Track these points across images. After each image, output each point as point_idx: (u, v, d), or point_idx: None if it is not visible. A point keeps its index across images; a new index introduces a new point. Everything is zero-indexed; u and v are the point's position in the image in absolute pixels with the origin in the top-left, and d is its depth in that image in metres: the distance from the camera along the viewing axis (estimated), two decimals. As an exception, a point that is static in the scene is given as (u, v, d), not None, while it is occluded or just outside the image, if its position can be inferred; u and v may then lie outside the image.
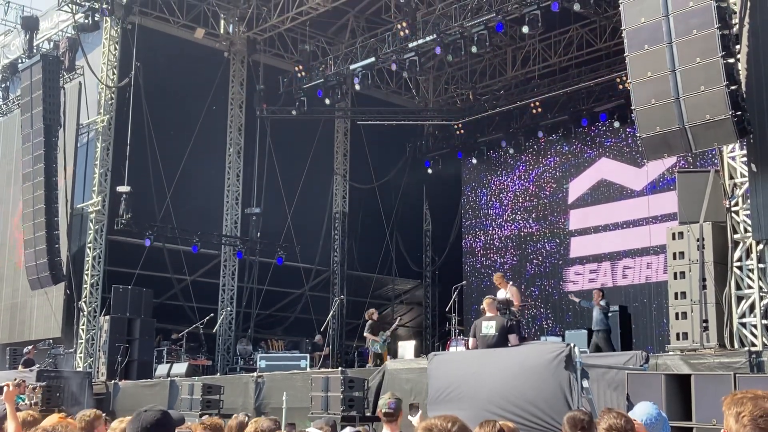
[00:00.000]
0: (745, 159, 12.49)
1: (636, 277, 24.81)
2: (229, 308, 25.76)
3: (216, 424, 6.41)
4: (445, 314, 20.56)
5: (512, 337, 11.92)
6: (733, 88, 11.51)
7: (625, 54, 12.78)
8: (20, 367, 20.48)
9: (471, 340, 12.24)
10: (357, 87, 25.55)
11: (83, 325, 23.13)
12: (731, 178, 12.74)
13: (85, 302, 23.11)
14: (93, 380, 20.73)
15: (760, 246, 12.30)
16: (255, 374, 17.50)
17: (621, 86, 23.21)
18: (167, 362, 21.55)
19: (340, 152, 29.26)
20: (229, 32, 26.69)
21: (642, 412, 4.67)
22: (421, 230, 31.09)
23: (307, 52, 26.57)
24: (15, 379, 6.65)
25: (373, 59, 24.39)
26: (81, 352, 22.94)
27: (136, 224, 23.20)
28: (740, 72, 12.07)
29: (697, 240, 12.39)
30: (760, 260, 12.28)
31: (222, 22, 26.62)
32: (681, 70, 11.85)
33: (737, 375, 9.78)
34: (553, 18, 21.76)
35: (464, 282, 24.08)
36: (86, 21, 23.69)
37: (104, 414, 6.10)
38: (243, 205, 26.45)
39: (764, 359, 10.84)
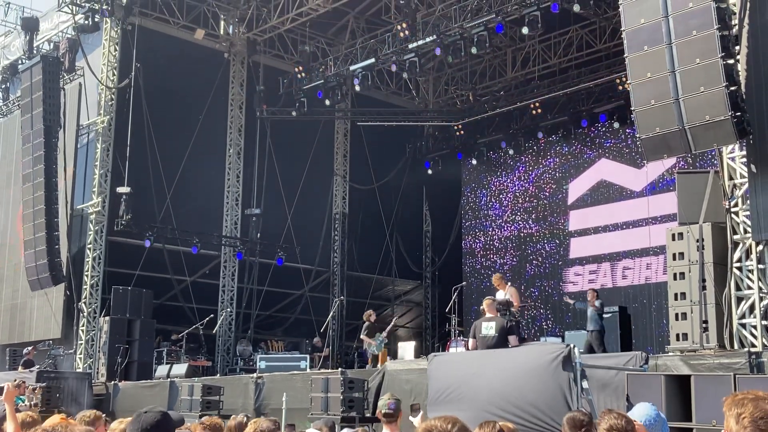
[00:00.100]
0: (744, 160, 12.49)
1: (636, 278, 24.82)
2: (228, 309, 25.76)
3: (216, 423, 6.41)
4: (445, 315, 20.57)
5: (512, 338, 11.92)
6: (732, 89, 11.52)
7: (625, 55, 12.79)
8: (20, 367, 20.49)
9: (471, 341, 12.25)
10: (357, 88, 25.56)
11: (83, 325, 23.12)
12: (731, 178, 12.75)
13: (85, 303, 23.10)
14: (93, 381, 20.72)
15: (760, 247, 12.30)
16: (255, 375, 17.50)
17: (621, 87, 23.22)
18: (167, 363, 21.55)
19: (340, 153, 29.26)
20: (229, 33, 26.70)
21: (641, 413, 4.67)
22: (421, 231, 31.09)
23: (307, 53, 26.57)
24: (15, 380, 6.65)
25: (373, 60, 24.40)
26: (81, 353, 22.93)
27: (136, 225, 23.20)
28: (740, 73, 12.09)
29: (697, 241, 12.40)
30: (759, 261, 12.28)
31: (222, 23, 26.64)
32: (681, 71, 11.86)
33: (737, 376, 9.78)
34: (553, 19, 21.78)
35: (464, 283, 24.11)
36: (86, 22, 23.70)
37: (104, 415, 6.10)
38: (243, 206, 26.45)
39: (764, 360, 10.84)
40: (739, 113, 11.50)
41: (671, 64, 11.95)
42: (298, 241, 26.65)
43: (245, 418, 7.78)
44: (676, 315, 12.59)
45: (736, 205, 12.61)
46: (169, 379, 19.21)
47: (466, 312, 25.49)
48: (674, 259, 12.82)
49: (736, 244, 12.55)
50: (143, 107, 23.84)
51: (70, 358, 22.60)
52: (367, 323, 18.43)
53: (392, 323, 18.69)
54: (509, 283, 16.65)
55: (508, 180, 28.92)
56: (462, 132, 29.11)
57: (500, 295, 15.66)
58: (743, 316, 12.31)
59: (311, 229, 27.55)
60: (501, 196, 29.05)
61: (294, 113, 26.38)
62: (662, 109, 12.06)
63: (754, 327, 12.16)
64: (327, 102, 26.15)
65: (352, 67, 24.84)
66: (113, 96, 24.16)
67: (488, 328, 11.75)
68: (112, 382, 20.41)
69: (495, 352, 11.51)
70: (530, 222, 27.99)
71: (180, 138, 24.71)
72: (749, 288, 12.35)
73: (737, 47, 12.25)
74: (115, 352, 21.28)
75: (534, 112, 26.86)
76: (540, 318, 26.71)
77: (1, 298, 26.10)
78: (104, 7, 23.18)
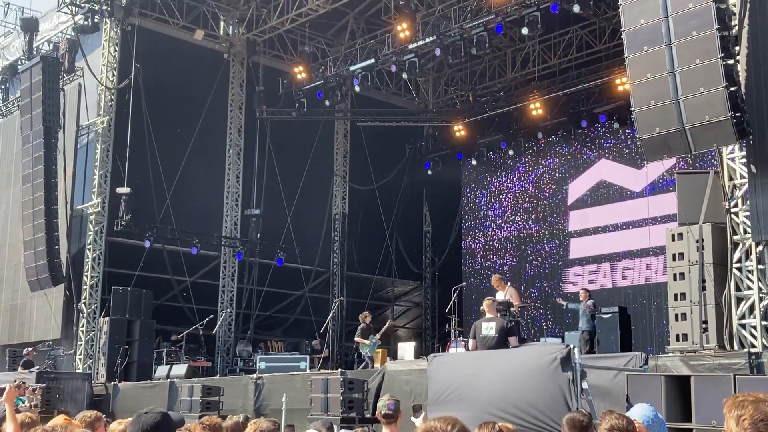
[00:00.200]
0: (744, 160, 12.49)
1: (635, 278, 24.82)
2: (228, 309, 25.76)
3: (215, 423, 6.40)
4: (444, 315, 20.56)
5: (512, 339, 11.90)
6: (732, 89, 11.52)
7: (625, 55, 12.79)
8: (20, 368, 20.47)
9: (471, 342, 12.24)
10: (357, 88, 25.55)
11: (83, 326, 23.12)
12: (731, 179, 12.75)
13: (84, 303, 23.10)
14: (92, 382, 20.72)
15: (760, 247, 12.30)
16: (255, 376, 17.50)
17: (620, 87, 23.20)
18: (167, 364, 21.53)
19: (340, 153, 29.26)
20: (228, 34, 26.71)
21: (639, 413, 4.68)
22: (421, 231, 31.09)
23: (306, 54, 26.58)
24: (14, 381, 6.65)
25: (372, 61, 24.42)
26: (80, 354, 22.93)
27: (135, 225, 23.19)
28: (740, 73, 12.09)
29: (697, 241, 12.40)
30: (759, 261, 12.28)
31: (222, 23, 26.64)
32: (680, 72, 11.86)
33: (737, 376, 9.78)
34: (553, 19, 21.79)
35: (464, 283, 24.10)
36: (86, 22, 23.71)
37: (104, 415, 6.09)
38: (243, 206, 26.45)
39: (764, 360, 10.85)
40: (739, 114, 11.50)
41: (671, 65, 11.95)
42: (298, 242, 26.65)
43: (244, 419, 7.77)
44: (676, 315, 12.59)
45: (736, 205, 12.61)
46: (168, 380, 19.20)
47: (466, 312, 25.48)
48: (674, 259, 12.82)
49: (735, 245, 12.55)
50: (143, 108, 23.84)
51: (69, 359, 22.60)
52: (362, 325, 18.44)
53: (386, 325, 18.67)
54: (509, 284, 16.65)
55: (508, 180, 28.92)
56: (462, 132, 29.10)
57: (500, 296, 15.66)
58: (743, 317, 12.31)
59: (311, 230, 27.55)
60: (501, 196, 29.06)
61: (294, 114, 26.39)
62: (662, 110, 12.06)
63: (754, 327, 12.16)
64: (327, 102, 26.17)
65: (351, 68, 24.85)
66: (113, 96, 24.15)
67: (488, 328, 11.74)
68: (112, 383, 20.40)
69: (495, 353, 11.50)
70: (530, 222, 27.99)
71: (180, 138, 24.71)
72: (749, 288, 12.35)
73: (737, 48, 12.25)
74: (115, 353, 21.27)
75: (534, 112, 26.85)
76: (540, 318, 26.71)
77: (0, 299, 26.09)
78: (104, 7, 23.19)
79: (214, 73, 26.15)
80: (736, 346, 12.12)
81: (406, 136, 29.97)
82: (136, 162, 23.61)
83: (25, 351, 21.50)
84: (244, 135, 26.76)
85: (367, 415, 13.79)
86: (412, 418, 9.94)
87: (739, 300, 12.41)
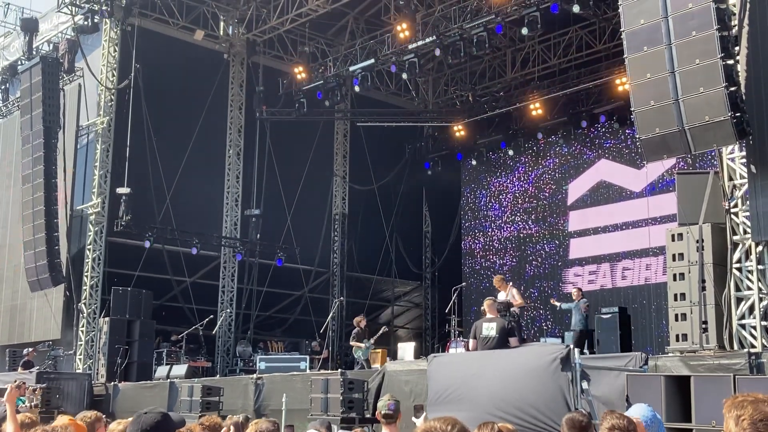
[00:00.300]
0: (744, 160, 12.49)
1: (635, 279, 24.82)
2: (228, 310, 25.76)
3: (215, 423, 6.40)
4: (444, 316, 20.56)
5: (513, 340, 11.89)
6: (732, 89, 11.52)
7: (625, 55, 12.80)
8: (20, 368, 20.48)
9: (471, 342, 12.23)
10: (356, 89, 25.55)
11: (83, 326, 23.12)
12: (730, 179, 12.75)
13: (84, 304, 23.10)
14: (93, 382, 20.73)
15: (760, 247, 12.30)
16: (254, 376, 17.50)
17: (620, 88, 23.21)
18: (167, 364, 21.54)
19: (340, 154, 29.27)
20: (228, 34, 26.71)
21: (637, 413, 4.69)
22: (421, 232, 31.09)
23: (306, 54, 26.59)
24: (15, 381, 6.65)
25: (372, 61, 24.42)
26: (81, 354, 22.93)
27: (135, 226, 23.19)
28: (739, 73, 12.09)
29: (697, 241, 12.40)
30: (759, 262, 12.29)
31: (221, 23, 26.64)
32: (680, 72, 11.86)
33: (737, 376, 9.79)
34: (553, 20, 21.79)
35: (464, 283, 24.11)
36: (86, 23, 23.71)
37: (104, 416, 6.09)
38: (243, 206, 26.45)
39: (764, 361, 10.85)
40: (738, 114, 11.50)
41: (671, 65, 11.95)
42: (298, 242, 26.65)
43: (244, 419, 7.78)
44: (676, 316, 12.59)
45: (735, 205, 12.61)
46: (168, 380, 19.20)
47: (466, 313, 25.49)
48: (674, 259, 12.82)
49: (735, 245, 12.55)
50: (143, 108, 23.83)
51: (69, 359, 22.60)
52: (357, 329, 18.45)
53: (380, 331, 18.76)
54: (510, 284, 16.65)
55: (508, 180, 28.92)
56: (461, 132, 29.11)
57: (501, 297, 15.67)
58: (743, 317, 12.31)
59: (311, 230, 27.55)
60: (500, 196, 29.06)
61: (293, 114, 26.40)
62: (662, 110, 12.07)
63: (754, 328, 12.16)
64: (326, 103, 26.17)
65: (351, 68, 24.85)
66: (113, 97, 24.15)
67: (489, 329, 11.73)
68: (112, 383, 20.40)
69: (495, 353, 11.49)
70: (530, 223, 28.00)
71: (180, 139, 24.71)
72: (749, 289, 12.35)
73: (737, 48, 12.25)
74: (115, 353, 21.27)
75: (534, 112, 26.85)
76: (540, 319, 26.71)
77: (0, 299, 26.10)
78: (103, 8, 23.19)
79: (214, 73, 26.15)
80: (735, 347, 12.12)
81: (406, 136, 29.98)
82: (136, 162, 23.60)
83: (25, 351, 21.51)
84: (243, 135, 26.76)
85: (367, 416, 13.80)
86: (414, 418, 9.97)
87: (738, 300, 12.42)
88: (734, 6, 12.50)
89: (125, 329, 21.74)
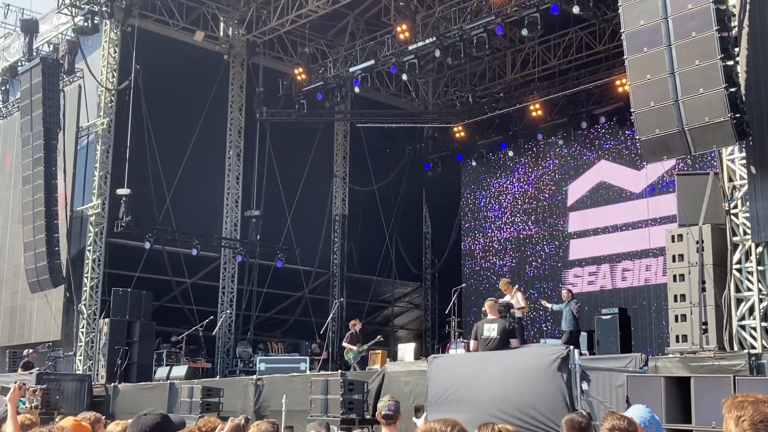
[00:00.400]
0: (744, 161, 12.49)
1: (635, 280, 24.82)
2: (228, 311, 25.75)
3: (211, 426, 6.37)
4: (444, 317, 20.55)
5: (514, 341, 11.89)
6: (732, 90, 11.53)
7: (625, 56, 12.80)
8: (20, 369, 20.48)
9: (472, 343, 12.23)
10: (356, 90, 25.54)
11: (83, 327, 23.12)
12: (730, 180, 12.75)
13: (84, 305, 23.09)
14: (92, 383, 20.73)
15: (760, 248, 12.30)
16: (255, 377, 17.51)
17: (620, 89, 23.21)
18: (167, 365, 21.53)
19: (340, 155, 29.27)
20: (228, 35, 26.71)
21: (635, 414, 4.69)
22: (421, 233, 31.10)
23: (306, 55, 26.59)
24: (15, 382, 6.65)
25: (372, 62, 24.42)
26: (81, 355, 22.92)
27: (135, 227, 23.20)
28: (739, 74, 12.09)
29: (697, 242, 12.40)
30: (759, 263, 12.29)
31: (221, 24, 26.65)
32: (680, 73, 11.87)
33: (737, 377, 9.79)
34: (553, 21, 21.79)
35: (464, 284, 24.09)
36: (86, 24, 23.72)
37: (104, 417, 6.10)
38: (243, 207, 26.46)
39: (764, 362, 10.85)
40: (738, 115, 11.50)
41: (671, 66, 11.95)
42: (298, 243, 26.65)
43: (244, 420, 7.78)
44: (676, 317, 12.59)
45: (735, 206, 12.62)
46: (168, 381, 19.21)
47: (466, 314, 25.47)
48: (674, 260, 12.82)
49: (735, 246, 12.55)
50: (143, 109, 23.84)
51: (69, 360, 22.60)
52: (351, 331, 18.49)
53: (374, 340, 18.84)
54: (516, 287, 16.65)
55: (508, 181, 28.93)
56: (461, 133, 29.12)
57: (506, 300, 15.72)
58: (743, 318, 12.31)
59: (311, 231, 27.54)
60: (500, 197, 29.06)
61: (293, 115, 26.40)
62: (662, 111, 12.07)
63: (754, 329, 12.17)
64: (326, 104, 26.16)
65: (351, 69, 24.86)
66: (113, 98, 24.16)
67: (490, 329, 11.72)
68: (112, 384, 20.40)
69: (494, 354, 11.49)
70: (530, 223, 28.00)
71: (180, 140, 24.71)
72: (749, 290, 12.35)
73: (737, 49, 12.25)
74: (115, 354, 21.28)
75: (534, 113, 26.86)
76: (539, 320, 26.69)
77: (1, 300, 26.09)
78: (103, 9, 23.19)
79: (214, 74, 26.15)
80: (735, 348, 12.13)
81: (406, 137, 30.00)
82: (136, 163, 23.61)
83: (25, 352, 21.51)
84: (244, 136, 26.77)
85: (367, 416, 13.80)
86: (414, 419, 9.96)
87: (738, 301, 12.42)
88: (734, 7, 12.50)
89: (125, 330, 21.76)
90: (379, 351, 19.06)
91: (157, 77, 24.27)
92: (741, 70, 12.19)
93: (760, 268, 12.28)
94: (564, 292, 18.27)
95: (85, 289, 23.28)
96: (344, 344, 18.57)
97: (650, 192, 24.66)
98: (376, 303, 29.26)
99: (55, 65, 22.92)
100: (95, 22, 23.54)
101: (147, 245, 23.55)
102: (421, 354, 20.85)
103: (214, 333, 24.14)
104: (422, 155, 30.43)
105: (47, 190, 22.24)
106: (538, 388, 10.04)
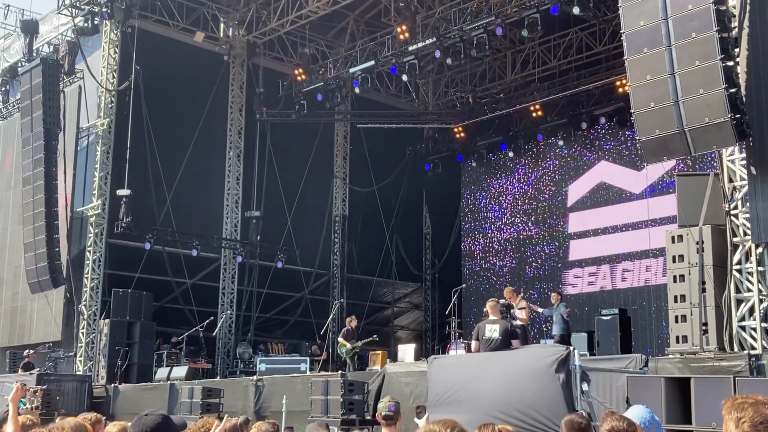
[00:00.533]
0: (744, 162, 12.49)
1: (635, 280, 24.81)
2: (229, 311, 25.75)
3: (207, 424, 6.35)
4: (444, 317, 20.55)
5: (515, 342, 11.90)
6: (732, 91, 11.53)
7: (625, 57, 12.80)
8: (20, 370, 20.49)
9: (474, 343, 12.24)
10: (357, 90, 25.54)
11: (83, 328, 23.12)
12: (731, 181, 12.75)
13: (85, 306, 23.10)
14: (93, 383, 20.73)
15: (760, 249, 12.30)
16: (255, 377, 17.51)
17: (620, 89, 23.21)
18: (167, 365, 21.53)
19: (340, 155, 29.28)
20: (228, 36, 26.71)
21: (635, 415, 4.69)
22: (421, 233, 31.10)
23: (306, 56, 26.61)
24: (16, 382, 6.66)
25: (372, 62, 24.43)
26: (81, 356, 22.93)
27: (136, 227, 23.21)
28: (739, 75, 12.09)
29: (697, 243, 12.40)
30: (759, 263, 12.29)
31: (222, 25, 26.65)
32: (680, 73, 11.87)
33: (737, 378, 9.79)
34: (553, 21, 21.80)
35: (464, 285, 24.09)
36: (86, 24, 23.71)
37: (104, 417, 6.10)
38: (243, 208, 26.46)
39: (764, 362, 10.85)
40: (738, 115, 11.50)
41: (671, 67, 11.95)
42: (298, 244, 26.65)
43: (244, 420, 7.78)
44: (676, 317, 12.58)
45: (735, 207, 12.62)
46: (169, 382, 19.21)
47: (466, 314, 25.47)
48: (674, 261, 12.82)
49: (735, 247, 12.55)
50: (143, 110, 23.85)
51: (70, 361, 22.60)
52: (347, 327, 18.70)
53: (369, 339, 18.99)
54: (520, 296, 16.65)
55: (508, 182, 28.93)
56: (462, 134, 29.13)
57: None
58: (743, 319, 12.31)
59: (311, 232, 27.55)
60: (500, 198, 29.06)
61: (294, 116, 26.40)
62: (662, 112, 12.07)
63: (754, 329, 12.17)
64: (327, 104, 26.17)
65: (351, 70, 24.86)
66: (113, 98, 24.17)
67: (492, 330, 11.73)
68: (112, 385, 20.41)
69: (495, 355, 11.50)
70: (530, 224, 28.00)
71: (180, 140, 24.73)
72: (749, 290, 12.35)
73: (737, 49, 12.25)
74: (115, 355, 21.28)
75: (534, 114, 26.87)
76: (539, 320, 26.67)
77: (1, 301, 26.09)
78: (104, 9, 23.18)
79: (214, 75, 26.17)
80: (736, 348, 12.12)
81: (406, 137, 29.99)
82: (137, 164, 23.62)
83: (25, 353, 21.52)
84: (244, 137, 26.77)
85: (368, 417, 13.80)
86: (416, 420, 9.97)
87: (739, 302, 12.41)
88: (734, 8, 12.50)
89: (125, 331, 21.76)
90: (380, 352, 19.08)
91: (158, 78, 24.28)
92: (741, 70, 12.19)
93: (760, 268, 12.27)
94: (553, 295, 18.28)
95: (85, 289, 23.28)
96: (339, 339, 18.76)
97: (650, 193, 24.66)
98: (376, 304, 29.27)
99: (55, 66, 22.92)
100: (95, 22, 23.53)
101: (147, 246, 23.56)
102: (421, 355, 20.85)
103: (214, 334, 24.14)
104: (422, 156, 30.43)
105: (47, 191, 22.23)
106: (538, 388, 10.05)
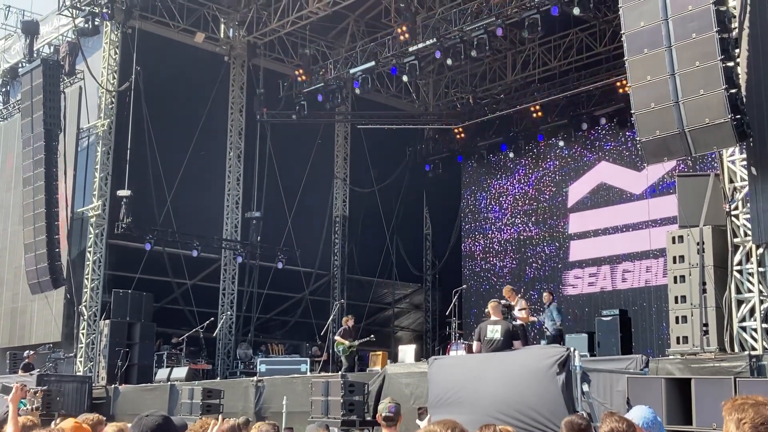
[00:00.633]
0: (745, 163, 12.49)
1: (635, 281, 24.80)
2: (229, 312, 25.75)
3: (205, 424, 6.35)
4: (445, 318, 20.55)
5: (517, 343, 11.90)
6: (732, 91, 11.52)
7: (625, 58, 12.80)
8: (20, 371, 20.48)
9: (475, 344, 12.24)
10: (357, 91, 25.54)
11: (83, 329, 23.12)
12: (731, 181, 12.75)
13: (85, 306, 23.10)
14: (93, 384, 20.73)
15: (760, 250, 12.30)
16: (255, 378, 17.50)
17: (621, 90, 23.20)
18: (167, 366, 21.53)
19: (341, 156, 29.28)
20: (229, 36, 26.71)
21: (638, 415, 4.69)
22: (421, 234, 31.10)
23: (307, 56, 26.61)
24: (17, 383, 6.65)
25: (373, 63, 24.43)
26: (81, 357, 22.92)
27: (136, 228, 23.21)
28: (740, 75, 12.09)
29: (697, 244, 12.40)
30: (760, 264, 12.28)
31: (222, 26, 26.66)
32: (680, 74, 11.87)
33: (738, 379, 9.79)
34: (553, 22, 21.79)
35: (464, 286, 24.09)
36: (86, 25, 23.71)
37: (105, 418, 6.09)
38: (243, 209, 26.46)
39: (765, 363, 10.85)
40: (738, 116, 11.50)
41: (671, 67, 11.95)
42: (299, 244, 26.66)
43: (244, 421, 7.77)
44: (677, 318, 12.58)
45: (736, 208, 12.61)
46: (169, 383, 19.21)
47: (466, 315, 25.48)
48: (674, 262, 12.82)
49: (736, 247, 12.55)
50: (143, 110, 23.86)
51: (70, 362, 22.60)
52: (345, 327, 18.72)
53: (366, 339, 19.00)
54: (519, 295, 16.66)
55: (508, 183, 28.92)
56: (462, 135, 29.12)
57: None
58: (744, 320, 12.31)
59: (311, 232, 27.56)
60: (501, 198, 29.06)
61: (294, 116, 26.40)
62: (662, 112, 12.06)
63: (755, 330, 12.16)
64: (327, 105, 26.17)
65: (352, 70, 24.86)
66: (113, 99, 24.17)
67: (493, 331, 11.72)
68: (113, 386, 20.41)
69: (495, 356, 11.49)
70: (530, 225, 27.99)
71: (180, 141, 24.73)
72: (750, 291, 12.35)
73: (737, 50, 12.25)
74: (116, 356, 21.27)
75: (534, 114, 26.86)
76: (540, 321, 26.65)
77: (1, 302, 26.09)
78: (104, 10, 23.19)
79: (215, 75, 26.18)
80: (736, 349, 12.12)
81: (407, 138, 30.00)
82: (137, 164, 23.62)
83: (25, 354, 21.51)
84: (244, 138, 26.77)
85: (368, 418, 13.79)
86: (418, 421, 9.97)
87: (739, 303, 12.41)
88: (734, 8, 12.50)
89: (126, 332, 21.76)
90: (380, 352, 19.10)
91: (158, 79, 24.29)
92: (741, 71, 12.19)
93: (760, 269, 12.27)
94: (545, 294, 18.33)
95: (85, 290, 23.28)
96: (336, 337, 18.77)
97: (651, 193, 24.65)
98: (376, 304, 29.27)
99: (55, 67, 22.93)
100: (96, 23, 23.53)
101: (147, 246, 23.56)
102: (421, 355, 20.85)
103: (214, 334, 24.14)
104: (423, 156, 30.43)
105: (48, 192, 22.24)
106: (539, 389, 10.05)
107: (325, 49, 27.56)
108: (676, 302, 12.65)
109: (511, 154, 28.43)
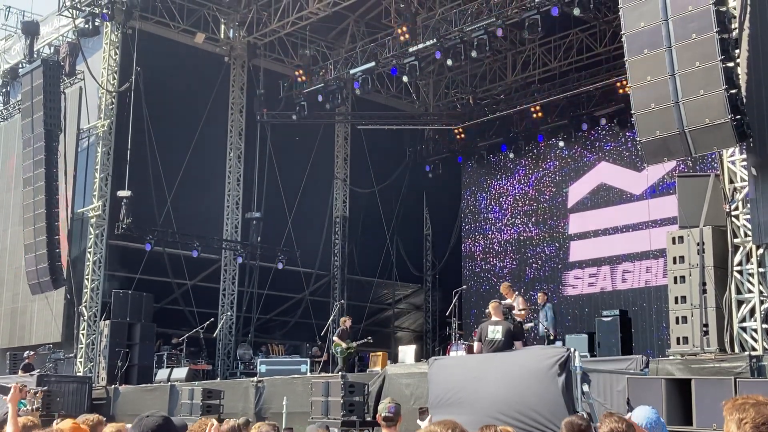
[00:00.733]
0: (745, 163, 12.49)
1: (636, 281, 24.80)
2: (229, 313, 25.75)
3: (204, 425, 6.35)
4: (445, 318, 20.54)
5: (518, 343, 11.90)
6: (732, 92, 11.53)
7: (625, 58, 12.81)
8: (20, 371, 20.49)
9: (476, 344, 12.24)
10: (357, 91, 25.54)
11: (83, 329, 23.12)
12: (731, 182, 12.75)
13: (85, 307, 23.10)
14: (93, 385, 20.72)
15: (760, 250, 12.30)
16: (255, 379, 17.50)
17: (621, 90, 23.20)
18: (167, 367, 21.53)
19: (341, 157, 29.28)
20: (229, 37, 26.70)
21: (641, 416, 4.69)
22: (422, 234, 31.09)
23: (307, 57, 26.61)
24: (16, 383, 6.65)
25: (373, 64, 24.42)
26: (81, 357, 22.92)
27: (136, 229, 23.20)
28: (740, 76, 12.09)
29: (698, 244, 12.40)
30: (760, 264, 12.29)
31: (222, 26, 26.66)
32: (680, 74, 11.87)
33: (738, 379, 9.79)
34: (553, 22, 21.79)
35: (464, 286, 24.09)
36: (86, 26, 23.71)
37: (105, 419, 6.09)
38: (243, 209, 26.46)
39: (765, 364, 10.85)
40: (739, 116, 11.50)
41: (671, 68, 11.96)
42: (299, 245, 26.66)
43: (244, 422, 7.77)
44: (677, 318, 12.58)
45: (736, 208, 12.62)
46: (169, 383, 19.20)
47: (466, 315, 25.49)
48: (674, 262, 12.82)
49: (736, 248, 12.55)
50: (143, 111, 23.86)
51: (70, 362, 22.60)
52: (342, 327, 18.70)
53: (364, 340, 19.03)
54: (517, 292, 16.67)
55: (508, 183, 28.93)
56: (462, 135, 29.12)
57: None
58: (744, 320, 12.31)
59: (311, 233, 27.55)
60: (501, 199, 29.06)
61: (294, 117, 26.40)
62: (662, 113, 12.07)
63: (755, 330, 12.16)
64: (327, 105, 26.16)
65: (352, 71, 24.86)
66: (114, 100, 24.17)
67: (494, 331, 11.73)
68: (113, 386, 20.40)
69: (495, 356, 11.50)
70: (530, 225, 27.99)
71: (180, 141, 24.73)
72: (750, 291, 12.35)
73: (737, 50, 12.25)
74: (116, 356, 21.27)
75: (534, 115, 26.85)
76: (534, 327, 26.65)
77: (1, 302, 26.10)
78: (104, 11, 23.19)
79: (215, 76, 26.17)
80: (736, 349, 12.12)
81: (407, 139, 30.01)
82: (137, 165, 23.62)
83: (25, 354, 21.51)
84: (244, 138, 26.77)
85: (368, 419, 13.79)
86: (419, 421, 9.97)
87: (739, 303, 12.41)
88: (734, 9, 12.50)
89: (126, 332, 21.76)
90: (380, 353, 19.08)
91: (158, 79, 24.29)
92: (741, 71, 12.20)
93: (761, 269, 12.28)
94: (539, 295, 18.34)
95: (85, 290, 23.28)
96: (334, 338, 18.79)
97: (651, 194, 24.65)
98: (376, 305, 29.27)
99: (55, 67, 22.94)
100: (96, 24, 23.53)
101: (148, 247, 23.56)
102: (421, 356, 20.85)
103: (214, 335, 24.15)
104: (423, 157, 30.43)
105: (48, 192, 22.25)
106: (539, 390, 10.04)
107: (325, 49, 27.56)
108: (676, 303, 12.66)
109: (511, 155, 28.44)
